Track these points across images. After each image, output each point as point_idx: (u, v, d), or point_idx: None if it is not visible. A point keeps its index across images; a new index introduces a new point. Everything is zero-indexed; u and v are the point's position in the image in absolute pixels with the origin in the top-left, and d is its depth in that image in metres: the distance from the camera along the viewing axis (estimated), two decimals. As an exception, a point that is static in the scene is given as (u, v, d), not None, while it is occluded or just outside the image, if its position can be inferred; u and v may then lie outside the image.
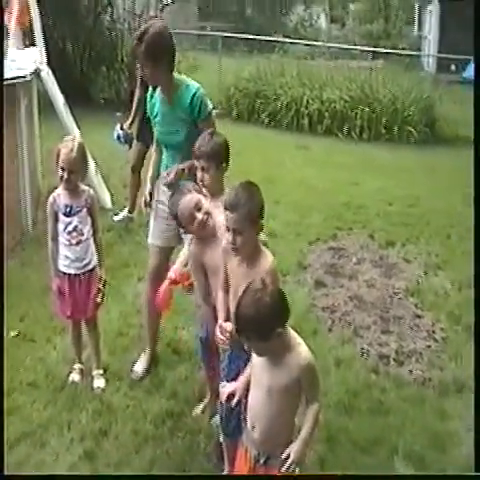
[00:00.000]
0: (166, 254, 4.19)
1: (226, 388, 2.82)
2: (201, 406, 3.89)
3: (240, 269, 2.89)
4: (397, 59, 18.65)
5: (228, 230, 2.85)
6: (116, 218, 6.88)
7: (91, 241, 4.04)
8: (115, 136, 6.78)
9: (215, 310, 3.19)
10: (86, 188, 4.05)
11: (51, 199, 3.97)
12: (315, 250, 6.41)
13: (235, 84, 13.82)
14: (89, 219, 4.00)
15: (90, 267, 4.05)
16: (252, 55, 16.15)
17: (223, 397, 2.83)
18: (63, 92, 7.35)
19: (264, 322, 2.44)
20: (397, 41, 27.36)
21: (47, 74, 7.20)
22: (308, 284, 5.60)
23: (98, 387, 4.15)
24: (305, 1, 37.53)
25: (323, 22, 37.99)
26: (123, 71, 14.55)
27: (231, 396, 2.78)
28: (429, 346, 4.68)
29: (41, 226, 6.52)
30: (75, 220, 3.95)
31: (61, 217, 3.95)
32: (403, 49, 22.17)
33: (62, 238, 3.97)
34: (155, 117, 3.98)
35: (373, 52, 15.37)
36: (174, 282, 3.64)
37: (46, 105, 7.56)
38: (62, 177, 3.88)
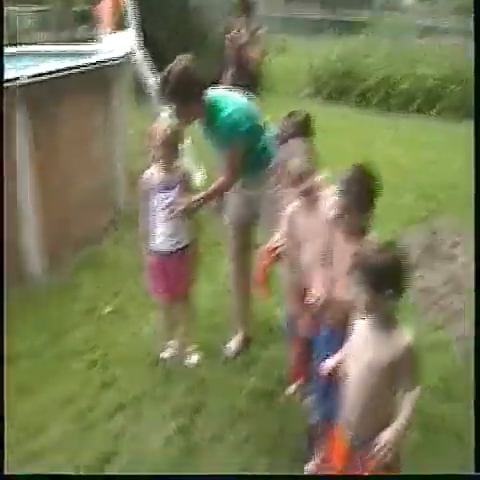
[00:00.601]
0: (245, 232, 4.20)
1: (327, 363, 2.79)
2: (293, 386, 3.87)
3: (347, 246, 2.80)
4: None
5: (338, 211, 2.85)
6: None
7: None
8: None
9: (302, 281, 3.17)
10: (180, 165, 4.07)
11: (145, 177, 4.01)
12: (409, 231, 6.26)
13: (324, 65, 13.62)
14: (185, 194, 3.98)
15: (183, 244, 4.06)
16: (340, 36, 15.87)
17: (324, 372, 2.79)
18: (154, 75, 7.42)
19: (382, 270, 2.42)
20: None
21: (140, 57, 7.30)
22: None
23: (191, 363, 4.22)
24: (393, -23, 36.53)
25: (411, -2, 36.89)
26: (213, 54, 14.61)
27: (332, 372, 2.75)
28: None
29: (134, 206, 6.65)
30: (170, 196, 3.95)
31: (156, 194, 3.97)
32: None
33: (158, 214, 3.99)
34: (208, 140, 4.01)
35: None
36: (264, 259, 3.65)
37: (138, 87, 7.67)
38: (156, 155, 3.92)
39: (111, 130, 6.53)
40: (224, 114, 3.74)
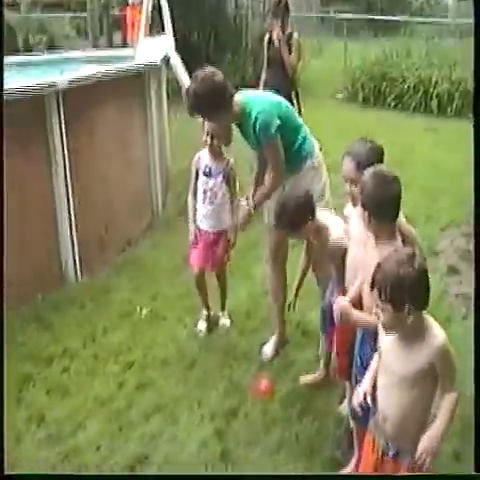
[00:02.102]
0: (282, 233, 4.17)
1: (360, 388, 2.67)
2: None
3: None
4: None
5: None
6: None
7: (226, 206, 4.37)
8: None
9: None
10: (228, 157, 4.38)
11: (196, 157, 4.38)
12: (447, 235, 6.19)
13: (360, 67, 13.49)
14: (225, 185, 4.31)
15: (220, 228, 4.41)
16: (377, 37, 15.78)
17: (358, 400, 2.64)
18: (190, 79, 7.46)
19: (402, 284, 2.32)
20: None
21: (176, 61, 7.36)
22: (440, 270, 5.41)
23: (224, 324, 4.60)
24: (431, -22, 36.15)
25: (451, -1, 36.47)
26: (248, 57, 14.65)
27: (365, 396, 2.63)
28: None
29: (171, 208, 6.70)
30: (211, 181, 4.32)
31: (201, 176, 4.34)
32: None
33: (199, 196, 4.37)
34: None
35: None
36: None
37: (174, 91, 7.72)
38: (206, 141, 4.21)
39: (148, 134, 6.57)
40: (252, 117, 3.74)
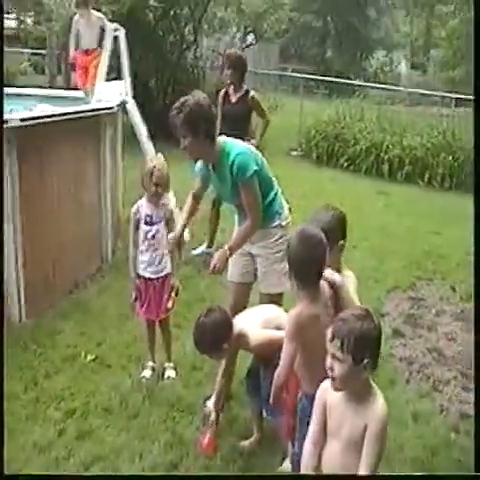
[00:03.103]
0: (245, 291, 4.20)
1: (305, 461, 2.66)
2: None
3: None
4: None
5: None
6: (194, 252, 6.92)
7: (166, 251, 4.41)
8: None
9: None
10: (166, 202, 4.55)
11: (135, 208, 4.45)
12: (393, 298, 6.29)
13: (315, 126, 13.85)
14: (166, 231, 4.38)
15: (164, 273, 4.46)
16: (332, 98, 16.21)
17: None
18: (145, 125, 7.51)
19: (365, 338, 2.38)
20: (480, 89, 26.91)
21: (132, 106, 7.40)
22: (385, 333, 5.46)
23: (169, 377, 4.56)
24: (386, 46, 37.57)
25: (403, 68, 37.89)
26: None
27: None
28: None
29: (121, 254, 6.65)
30: (154, 229, 4.39)
31: (142, 226, 4.41)
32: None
33: (141, 245, 4.43)
34: (210, 183, 4.12)
35: (455, 99, 15.17)
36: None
37: (130, 137, 7.74)
38: (154, 191, 4.31)
39: (101, 178, 6.58)
40: (230, 158, 3.78)
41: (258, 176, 3.82)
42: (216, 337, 3.54)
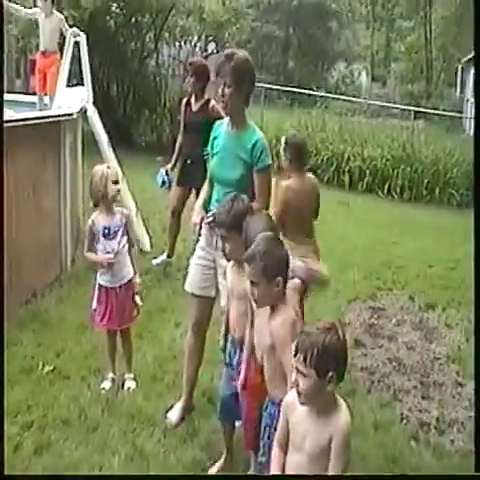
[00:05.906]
0: (206, 305, 4.08)
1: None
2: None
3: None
4: (438, 120, 18.71)
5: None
6: (155, 262, 6.85)
7: (127, 255, 4.37)
8: (160, 182, 6.74)
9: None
10: (120, 208, 4.41)
11: (90, 222, 4.30)
12: (354, 308, 6.32)
13: (276, 136, 13.86)
14: (125, 237, 4.33)
15: (126, 280, 4.37)
16: (293, 108, 16.33)
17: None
18: (106, 133, 7.44)
19: (328, 351, 2.35)
20: (438, 102, 27.49)
21: (93, 113, 7.32)
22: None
23: (129, 388, 4.46)
24: (347, 58, 38.08)
25: (364, 80, 38.44)
26: (165, 116, 14.80)
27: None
28: (471, 416, 4.53)
29: (80, 263, 6.56)
30: (114, 242, 4.28)
31: (101, 239, 4.27)
32: (444, 110, 22.19)
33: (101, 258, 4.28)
34: (215, 151, 3.92)
35: (415, 112, 15.41)
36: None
37: (90, 144, 7.66)
38: (98, 201, 4.24)
39: (61, 185, 6.49)
40: (256, 136, 3.75)
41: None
42: None
